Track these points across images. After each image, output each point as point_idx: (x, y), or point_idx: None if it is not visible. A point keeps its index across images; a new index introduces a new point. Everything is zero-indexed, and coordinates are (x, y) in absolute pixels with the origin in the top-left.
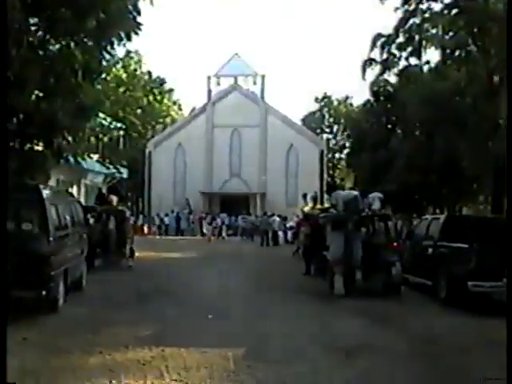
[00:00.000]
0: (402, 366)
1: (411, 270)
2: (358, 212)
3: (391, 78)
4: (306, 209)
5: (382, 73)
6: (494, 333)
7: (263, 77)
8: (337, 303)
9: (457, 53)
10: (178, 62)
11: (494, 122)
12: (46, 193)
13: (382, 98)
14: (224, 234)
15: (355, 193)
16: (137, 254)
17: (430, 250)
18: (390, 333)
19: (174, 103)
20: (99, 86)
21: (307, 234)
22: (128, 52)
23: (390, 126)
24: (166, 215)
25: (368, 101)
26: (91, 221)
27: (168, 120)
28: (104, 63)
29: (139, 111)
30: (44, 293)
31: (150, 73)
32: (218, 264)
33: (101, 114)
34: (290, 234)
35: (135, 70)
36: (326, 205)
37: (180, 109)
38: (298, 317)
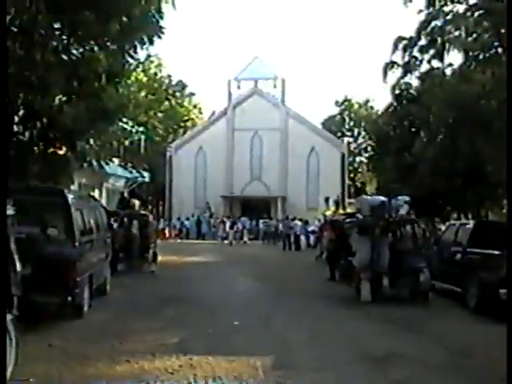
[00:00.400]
0: (436, 379)
1: (439, 277)
2: (384, 217)
3: (413, 80)
4: (328, 213)
5: (403, 75)
6: None
7: (283, 80)
8: (364, 310)
9: (481, 56)
10: (198, 65)
11: None
12: (71, 197)
13: (404, 102)
14: (245, 238)
15: (382, 198)
16: (159, 259)
17: (459, 257)
18: (420, 342)
19: (195, 107)
20: (122, 90)
21: (331, 239)
22: (148, 56)
23: (413, 130)
24: (187, 219)
25: (391, 104)
26: (115, 225)
27: (189, 124)
28: (127, 67)
29: (161, 115)
30: (69, 299)
31: (169, 76)
32: (240, 269)
33: (123, 119)
34: (312, 238)
35: (155, 73)
36: (349, 210)
37: (200, 112)
38: (325, 324)
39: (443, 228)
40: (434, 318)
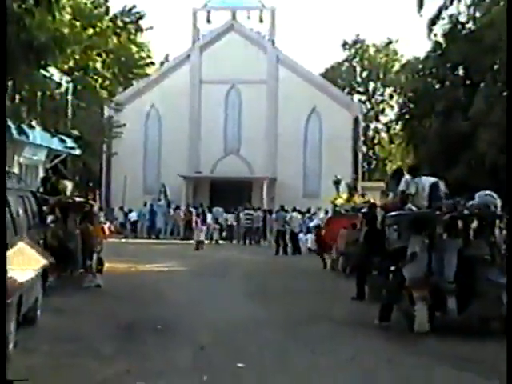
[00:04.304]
0: None
1: None
2: (450, 209)
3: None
4: (340, 201)
5: (449, 2)
6: None
7: (273, 11)
8: (420, 346)
9: None
10: None
11: None
12: None
13: (445, 46)
14: (216, 235)
15: (433, 180)
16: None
17: None
18: None
19: (138, 46)
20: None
21: (354, 240)
22: None
23: (469, 82)
24: (130, 211)
25: (437, 44)
26: (49, 219)
27: (150, 71)
28: None
29: (107, 57)
30: None
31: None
32: (222, 283)
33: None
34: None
35: None
36: (367, 197)
37: (149, 56)
38: (367, 370)
39: None
40: None
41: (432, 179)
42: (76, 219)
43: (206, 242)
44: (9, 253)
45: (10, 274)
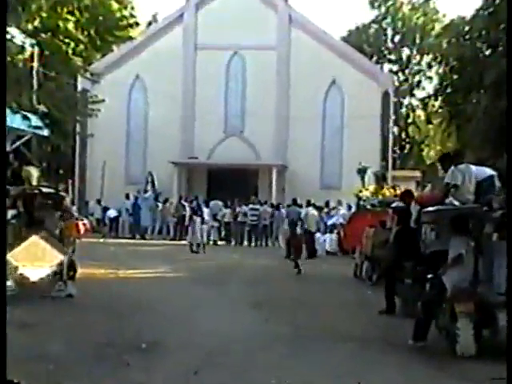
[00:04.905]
0: None
1: None
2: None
3: None
4: (365, 194)
5: None
6: None
7: None
8: (464, 373)
9: None
10: None
11: None
12: None
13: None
14: (213, 235)
15: (490, 171)
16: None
17: None
18: None
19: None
20: None
21: (382, 241)
22: None
23: None
24: (107, 209)
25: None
26: (10, 214)
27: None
28: None
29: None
30: None
31: None
32: (218, 291)
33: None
34: (331, 237)
35: None
36: (399, 189)
37: (133, 15)
38: None
39: None
40: None
41: (485, 170)
42: (43, 215)
43: (196, 241)
44: None
45: None
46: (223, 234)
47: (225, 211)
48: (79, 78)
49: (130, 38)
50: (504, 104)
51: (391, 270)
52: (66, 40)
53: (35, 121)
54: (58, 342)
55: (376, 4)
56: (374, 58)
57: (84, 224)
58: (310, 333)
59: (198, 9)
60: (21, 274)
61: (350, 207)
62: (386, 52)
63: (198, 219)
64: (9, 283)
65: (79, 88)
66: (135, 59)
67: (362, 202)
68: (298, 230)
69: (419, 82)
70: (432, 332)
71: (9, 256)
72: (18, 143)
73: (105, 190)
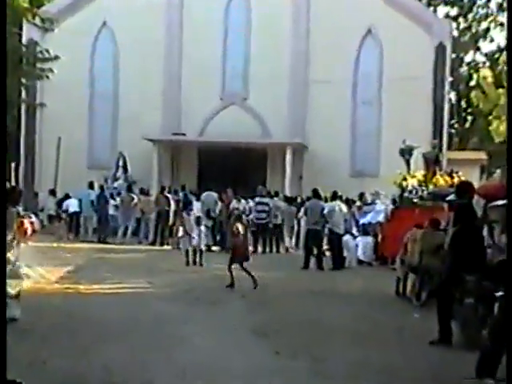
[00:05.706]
0: None
1: None
2: None
3: None
4: (412, 183)
5: None
6: None
7: None
8: None
9: None
10: None
11: None
12: None
13: None
14: (205, 239)
15: None
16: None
17: None
18: None
19: None
20: None
21: (434, 247)
22: None
23: None
24: (67, 196)
25: None
26: None
27: None
28: None
29: None
30: None
31: None
32: (211, 313)
33: None
34: (365, 241)
35: None
36: (457, 177)
37: None
38: None
39: None
40: None
41: None
42: None
43: (190, 248)
44: None
45: None
46: (218, 237)
47: (221, 206)
48: (25, 25)
49: None
50: None
51: (446, 286)
52: None
53: None
54: None
55: None
56: (423, 1)
57: (31, 223)
58: (335, 371)
59: None
60: None
61: (395, 201)
62: None
63: (190, 217)
64: None
65: (24, 39)
66: (100, 2)
67: (406, 194)
68: (325, 231)
69: (487, 30)
70: (503, 367)
71: None
72: None
73: (60, 177)
